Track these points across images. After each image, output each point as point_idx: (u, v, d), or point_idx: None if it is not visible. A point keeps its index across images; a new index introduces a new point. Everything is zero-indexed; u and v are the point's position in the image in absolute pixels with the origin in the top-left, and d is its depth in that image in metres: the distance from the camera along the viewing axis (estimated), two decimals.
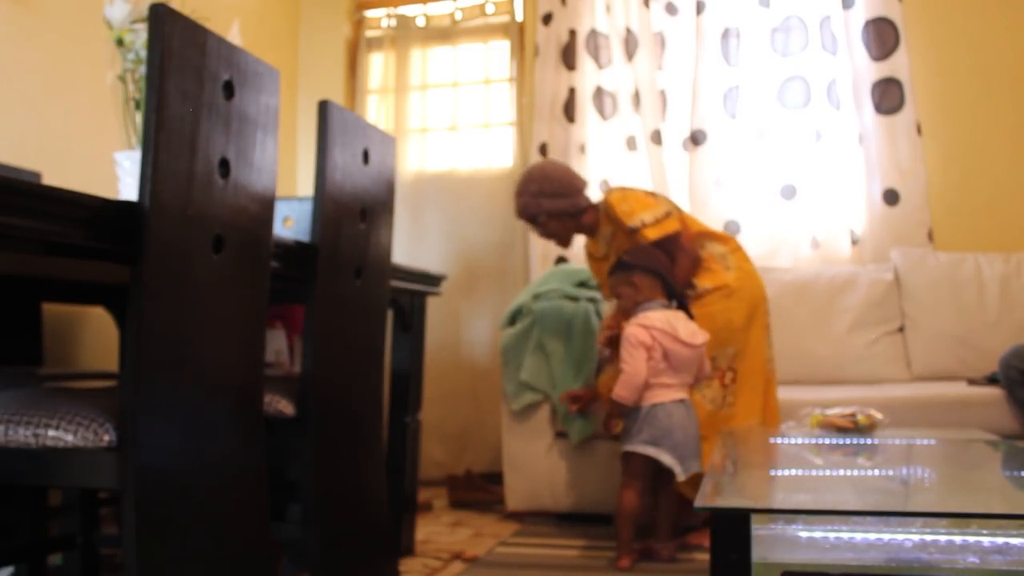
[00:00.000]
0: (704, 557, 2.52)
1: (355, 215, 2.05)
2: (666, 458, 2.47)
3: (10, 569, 2.07)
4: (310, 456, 1.91)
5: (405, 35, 4.25)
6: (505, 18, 4.19)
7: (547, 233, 2.92)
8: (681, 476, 2.49)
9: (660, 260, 2.64)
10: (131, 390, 1.35)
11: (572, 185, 2.86)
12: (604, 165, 3.89)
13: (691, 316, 2.60)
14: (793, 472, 1.88)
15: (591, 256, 3.01)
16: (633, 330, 2.50)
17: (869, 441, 2.13)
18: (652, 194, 2.85)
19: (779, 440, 2.17)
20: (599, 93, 3.91)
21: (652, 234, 2.71)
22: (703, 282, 2.77)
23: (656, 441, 2.47)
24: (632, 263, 2.62)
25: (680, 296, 2.63)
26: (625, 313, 2.62)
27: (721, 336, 2.68)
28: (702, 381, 2.64)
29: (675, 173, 3.80)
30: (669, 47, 3.87)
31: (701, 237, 2.86)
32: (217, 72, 1.47)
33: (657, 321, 2.50)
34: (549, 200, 2.84)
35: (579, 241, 3.17)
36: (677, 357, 2.50)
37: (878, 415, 2.19)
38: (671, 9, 3.86)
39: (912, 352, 3.40)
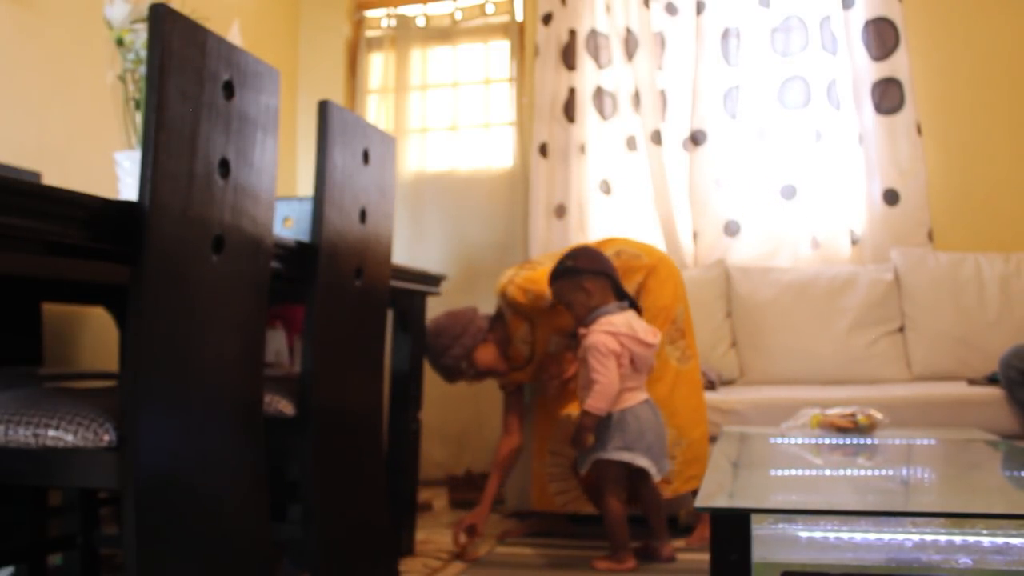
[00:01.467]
0: (704, 557, 2.52)
1: (355, 215, 2.05)
2: (642, 461, 2.46)
3: (10, 569, 2.07)
4: (310, 456, 1.91)
5: (405, 35, 4.25)
6: (505, 18, 4.18)
7: (479, 375, 2.87)
8: (657, 476, 2.49)
9: (604, 260, 2.59)
10: (131, 390, 1.35)
11: (461, 324, 2.81)
12: (604, 165, 3.89)
13: (640, 313, 2.58)
14: (793, 472, 1.88)
15: (512, 371, 2.89)
16: (602, 339, 2.44)
17: (869, 441, 2.13)
18: (528, 263, 2.85)
19: (779, 440, 2.17)
20: (599, 93, 3.91)
21: None
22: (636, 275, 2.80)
23: (630, 446, 2.45)
24: (579, 267, 2.54)
25: (628, 295, 2.60)
26: (578, 320, 2.55)
27: (680, 294, 2.81)
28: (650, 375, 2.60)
29: (675, 173, 3.79)
30: (669, 47, 3.86)
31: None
32: (217, 72, 1.47)
33: (622, 326, 2.47)
34: (457, 348, 2.79)
35: None
36: (640, 359, 2.49)
37: (878, 415, 2.19)
38: (671, 9, 3.86)
39: (912, 352, 3.40)
